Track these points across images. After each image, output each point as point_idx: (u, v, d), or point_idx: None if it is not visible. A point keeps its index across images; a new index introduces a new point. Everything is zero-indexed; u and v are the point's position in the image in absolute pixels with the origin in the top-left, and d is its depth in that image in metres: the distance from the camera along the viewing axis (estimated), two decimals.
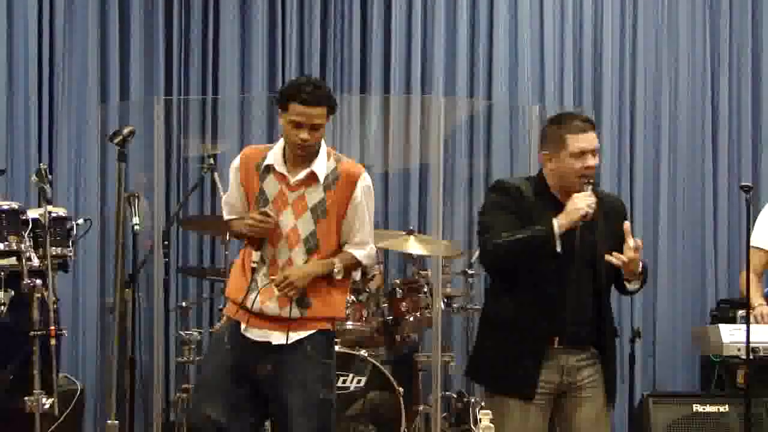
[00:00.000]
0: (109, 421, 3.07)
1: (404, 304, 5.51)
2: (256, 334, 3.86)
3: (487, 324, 3.81)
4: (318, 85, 3.81)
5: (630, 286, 3.70)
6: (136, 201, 5.02)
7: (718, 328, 5.46)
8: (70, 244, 4.87)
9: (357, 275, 4.05)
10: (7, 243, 4.54)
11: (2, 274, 4.71)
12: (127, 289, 5.04)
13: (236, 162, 3.93)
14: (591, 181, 3.60)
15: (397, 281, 5.65)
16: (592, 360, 3.70)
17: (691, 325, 6.31)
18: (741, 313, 5.49)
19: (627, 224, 3.63)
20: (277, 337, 3.83)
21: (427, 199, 6.19)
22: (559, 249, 3.53)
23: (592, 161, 3.61)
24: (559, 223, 3.53)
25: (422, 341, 5.79)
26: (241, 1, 6.33)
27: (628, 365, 5.88)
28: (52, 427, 4.71)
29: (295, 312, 3.80)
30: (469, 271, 5.74)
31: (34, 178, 4.51)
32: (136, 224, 4.94)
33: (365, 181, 3.90)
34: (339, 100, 3.88)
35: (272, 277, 3.81)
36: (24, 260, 4.51)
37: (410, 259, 5.88)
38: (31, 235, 4.61)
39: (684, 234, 6.51)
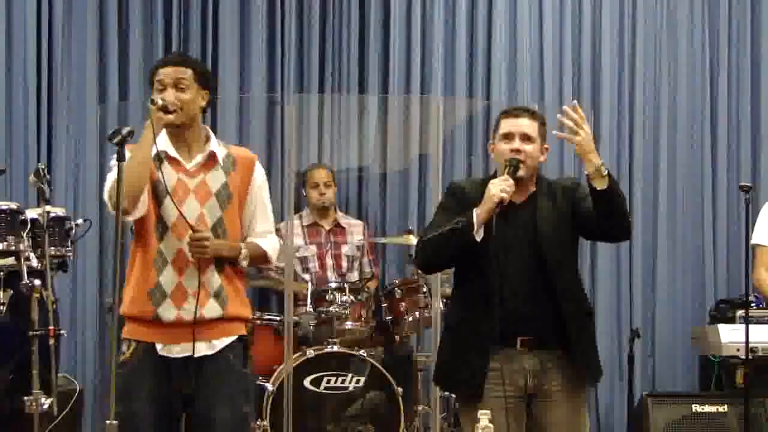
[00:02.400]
0: (108, 421, 3.06)
1: (403, 304, 5.51)
2: (176, 351, 3.50)
3: (444, 329, 3.85)
4: (182, 53, 3.67)
5: (597, 185, 3.39)
6: None
7: (717, 328, 5.48)
8: (69, 244, 4.86)
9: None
10: (6, 243, 4.54)
11: (1, 274, 4.71)
12: None
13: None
14: (510, 164, 3.54)
15: (396, 281, 5.65)
16: (562, 361, 3.59)
17: (690, 325, 6.30)
18: (740, 313, 5.50)
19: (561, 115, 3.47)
20: (199, 348, 3.50)
21: (426, 199, 6.19)
22: (478, 239, 3.48)
23: (518, 145, 3.59)
24: (476, 213, 3.49)
25: (421, 341, 5.79)
26: (241, 1, 6.32)
27: (627, 365, 5.89)
28: (51, 426, 4.71)
29: (217, 308, 3.52)
30: None
31: (32, 178, 4.51)
32: None
33: (260, 166, 3.71)
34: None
35: (196, 233, 3.45)
36: (23, 260, 4.51)
37: (409, 260, 5.87)
38: (30, 235, 4.61)
39: (683, 234, 6.50)
